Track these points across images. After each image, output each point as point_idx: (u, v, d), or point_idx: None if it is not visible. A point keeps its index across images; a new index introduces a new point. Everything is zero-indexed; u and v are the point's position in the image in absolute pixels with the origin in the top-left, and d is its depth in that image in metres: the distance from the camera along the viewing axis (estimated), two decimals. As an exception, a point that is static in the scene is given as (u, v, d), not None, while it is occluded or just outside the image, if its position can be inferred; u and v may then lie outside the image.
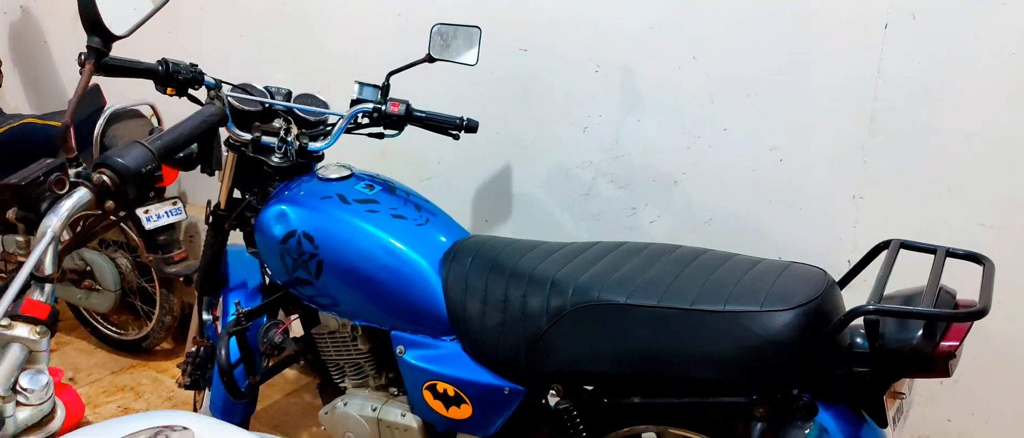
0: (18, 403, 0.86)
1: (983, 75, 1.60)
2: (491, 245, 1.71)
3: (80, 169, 0.99)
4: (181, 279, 2.89)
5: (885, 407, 1.31)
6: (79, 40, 1.38)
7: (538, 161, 2.28)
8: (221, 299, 2.15)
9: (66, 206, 0.94)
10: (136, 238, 2.87)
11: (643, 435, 1.62)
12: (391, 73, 1.95)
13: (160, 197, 2.86)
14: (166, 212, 2.81)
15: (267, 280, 2.09)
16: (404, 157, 2.42)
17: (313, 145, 1.92)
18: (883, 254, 1.39)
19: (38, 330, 0.91)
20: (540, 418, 1.75)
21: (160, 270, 2.82)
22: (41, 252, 0.91)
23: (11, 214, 0.96)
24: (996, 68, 1.59)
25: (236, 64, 2.83)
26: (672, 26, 1.96)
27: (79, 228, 2.77)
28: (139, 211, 2.74)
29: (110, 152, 1.00)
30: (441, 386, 1.66)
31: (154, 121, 2.85)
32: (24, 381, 0.87)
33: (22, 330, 0.90)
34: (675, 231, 2.09)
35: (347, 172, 1.87)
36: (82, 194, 0.96)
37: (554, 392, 1.56)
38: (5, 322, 0.88)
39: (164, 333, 2.99)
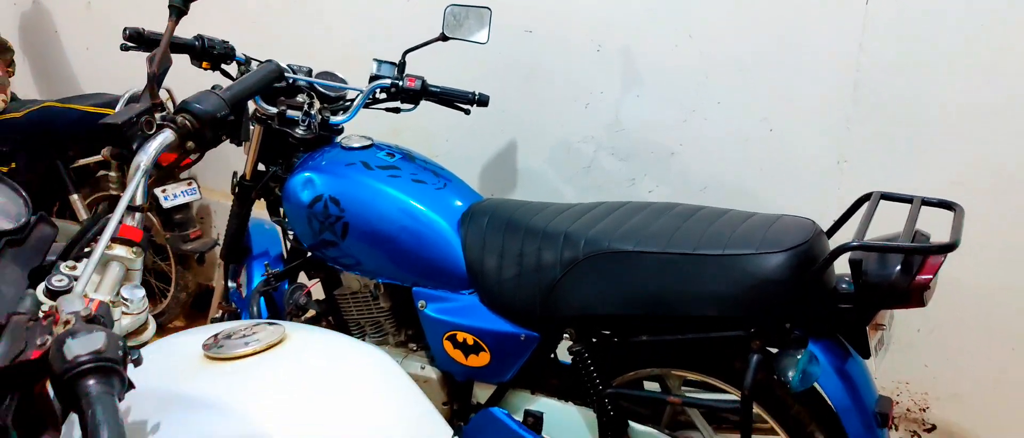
0: (122, 312, 0.99)
1: (954, 49, 1.76)
2: (505, 206, 1.84)
3: (165, 113, 1.12)
4: (196, 258, 3.01)
5: (868, 337, 1.46)
6: (89, 30, 1.50)
7: (542, 137, 2.42)
8: (244, 267, 2.27)
9: (154, 145, 1.07)
10: (151, 217, 2.98)
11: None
12: (407, 51, 2.09)
13: (176, 178, 2.98)
14: (182, 192, 2.93)
15: (287, 249, 2.22)
16: (415, 134, 2.55)
17: (334, 118, 2.05)
18: (866, 205, 1.54)
19: (134, 251, 1.04)
20: (551, 372, 1.89)
21: (176, 247, 2.94)
22: (135, 185, 1.04)
23: (106, 152, 1.08)
24: (966, 42, 1.75)
25: (250, 52, 2.94)
26: (669, 7, 2.11)
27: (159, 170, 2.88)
28: (156, 190, 2.86)
29: (189, 98, 1.13)
30: (461, 336, 1.80)
31: (170, 105, 2.97)
32: (125, 293, 1.00)
33: (121, 251, 1.03)
34: (672, 199, 2.23)
35: (368, 142, 2.01)
36: (167, 135, 1.09)
37: (568, 336, 1.70)
38: (108, 244, 1.01)
39: (178, 310, 3.11)
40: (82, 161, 2.95)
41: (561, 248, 1.65)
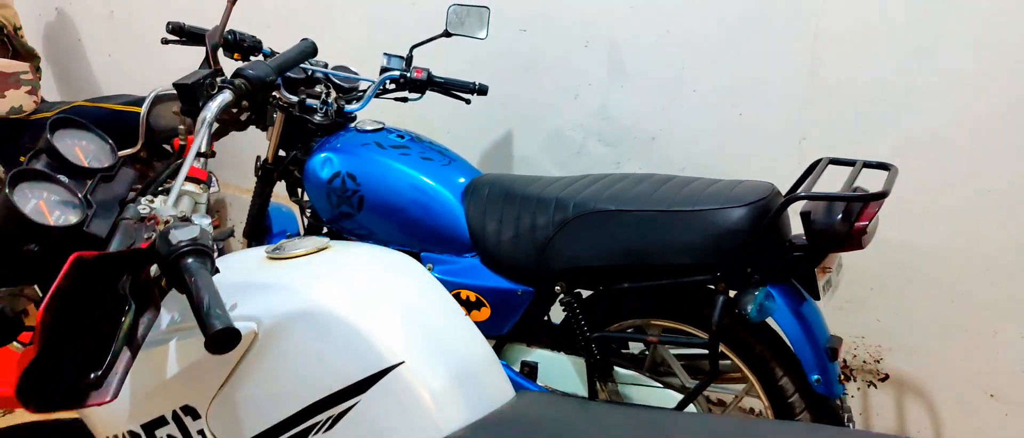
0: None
1: (895, 35, 2.00)
2: (503, 179, 2.08)
3: (224, 78, 1.36)
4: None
5: (817, 280, 1.69)
6: (110, 38, 1.74)
7: (537, 125, 2.66)
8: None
9: (217, 101, 1.30)
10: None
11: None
12: (414, 46, 2.33)
13: (195, 172, 3.20)
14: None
15: (305, 227, 2.45)
16: (419, 125, 2.77)
17: (348, 107, 2.29)
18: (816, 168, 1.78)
19: (201, 187, 1.26)
20: (544, 329, 2.11)
21: (197, 236, 3.15)
22: (202, 135, 1.27)
23: (176, 108, 1.31)
24: (906, 27, 1.99)
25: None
26: (650, 6, 2.35)
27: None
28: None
29: (242, 66, 1.37)
30: (464, 294, 2.03)
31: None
32: (195, 219, 1.22)
33: (191, 187, 1.25)
34: (654, 180, 2.47)
35: (380, 125, 2.24)
36: (226, 95, 1.32)
37: (560, 288, 1.93)
38: (182, 183, 1.23)
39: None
40: (109, 156, 3.17)
41: (553, 211, 1.88)
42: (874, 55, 2.04)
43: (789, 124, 2.20)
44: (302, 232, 2.47)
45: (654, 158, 2.46)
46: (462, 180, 2.14)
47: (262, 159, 2.37)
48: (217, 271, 0.99)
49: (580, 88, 2.55)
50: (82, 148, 1.22)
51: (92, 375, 0.93)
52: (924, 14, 1.96)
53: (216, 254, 1.22)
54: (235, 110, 1.38)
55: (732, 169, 2.31)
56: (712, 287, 1.75)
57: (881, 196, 1.56)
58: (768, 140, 2.25)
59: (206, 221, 1.23)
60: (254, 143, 2.58)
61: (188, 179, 1.26)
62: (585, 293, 1.98)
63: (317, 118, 2.24)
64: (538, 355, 2.07)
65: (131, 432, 1.09)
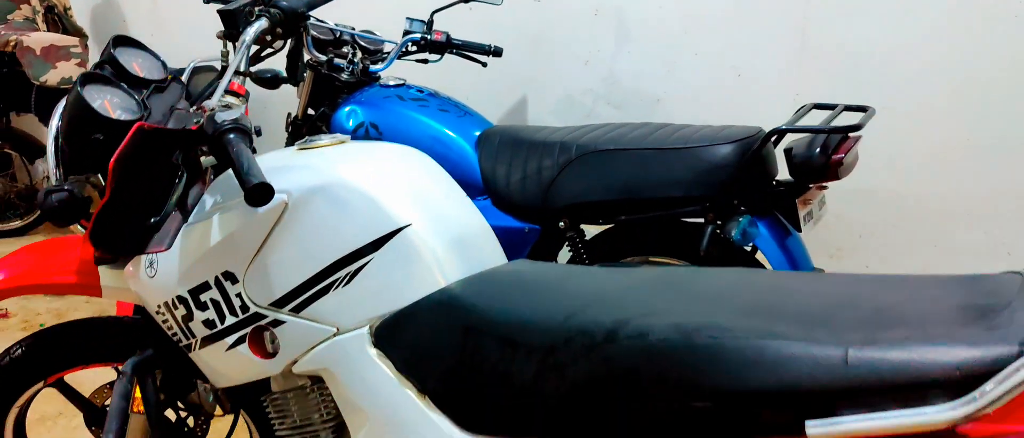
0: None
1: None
2: (512, 129, 2.24)
3: (261, 8, 1.54)
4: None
5: (798, 211, 1.83)
6: (153, 21, 1.93)
7: (548, 92, 2.83)
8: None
9: (255, 26, 1.48)
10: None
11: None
12: (435, 11, 2.51)
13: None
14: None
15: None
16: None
17: (373, 67, 2.47)
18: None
19: (239, 100, 1.44)
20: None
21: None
22: (240, 55, 1.45)
23: (219, 34, 1.50)
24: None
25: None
26: (654, -25, 2.52)
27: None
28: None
29: (277, -1, 1.55)
30: (477, 233, 2.19)
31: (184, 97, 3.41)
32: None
33: (230, 100, 1.43)
34: (658, 140, 2.62)
35: (402, 81, 2.42)
36: (263, 21, 1.50)
37: (564, 225, 2.08)
38: (222, 96, 1.41)
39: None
40: (151, 124, 3.39)
41: (557, 153, 2.05)
42: (861, 15, 2.18)
43: (784, 82, 2.35)
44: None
45: (659, 119, 2.61)
46: (475, 130, 2.31)
47: (292, 115, 2.56)
48: (255, 148, 1.17)
49: (590, 55, 2.71)
50: (139, 63, 1.41)
51: (152, 222, 1.11)
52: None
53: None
54: (269, 38, 1.55)
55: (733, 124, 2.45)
56: (701, 219, 1.90)
57: (854, 129, 1.71)
58: (765, 98, 2.39)
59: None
60: (282, 112, 2.77)
61: (229, 92, 1.44)
62: (589, 233, 2.14)
63: (344, 76, 2.43)
64: (544, 292, 2.23)
65: (179, 297, 1.27)
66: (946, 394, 0.69)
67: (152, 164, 1.13)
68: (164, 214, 1.15)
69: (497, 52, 2.49)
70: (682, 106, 2.56)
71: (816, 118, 1.90)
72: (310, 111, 2.54)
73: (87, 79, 1.28)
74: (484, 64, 2.54)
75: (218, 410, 1.70)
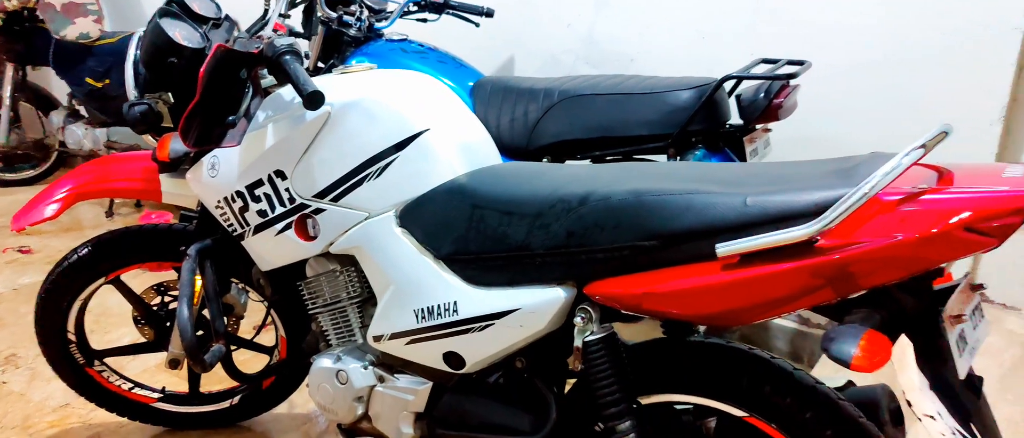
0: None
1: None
2: (503, 79, 2.55)
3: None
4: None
5: (745, 147, 2.16)
6: None
7: (533, 51, 3.13)
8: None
9: (292, -23, 1.77)
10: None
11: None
12: (434, -26, 2.81)
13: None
14: (244, 104, 3.64)
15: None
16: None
17: (378, 24, 2.76)
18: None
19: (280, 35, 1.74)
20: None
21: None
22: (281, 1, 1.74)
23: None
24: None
25: None
26: (630, -54, 2.82)
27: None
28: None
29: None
30: (470, 169, 2.50)
31: (236, 31, 3.68)
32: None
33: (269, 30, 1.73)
34: (631, 95, 2.93)
35: (404, 37, 2.72)
36: (296, -21, 1.80)
37: (547, 160, 2.40)
38: (269, 32, 1.71)
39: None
40: (165, 78, 3.65)
41: (541, 98, 2.36)
42: (808, -16, 2.51)
43: (742, 43, 2.67)
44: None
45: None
46: (470, 81, 2.61)
47: (304, 53, 2.85)
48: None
49: (571, 17, 3.01)
50: (199, 3, 1.70)
51: (227, 121, 1.41)
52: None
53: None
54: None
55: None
56: (663, 156, 2.22)
57: (791, 76, 2.04)
58: (724, 57, 2.71)
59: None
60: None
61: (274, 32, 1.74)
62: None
63: (351, 32, 2.72)
64: (528, 222, 2.54)
65: (237, 192, 1.57)
66: (808, 218, 1.01)
67: (227, 76, 1.42)
68: (236, 117, 1.45)
69: (489, 13, 2.79)
70: (653, 64, 2.87)
71: (763, 70, 2.23)
72: (320, 63, 2.83)
73: (160, 13, 1.57)
74: (477, 24, 2.85)
75: (247, 310, 2.01)
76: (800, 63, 2.19)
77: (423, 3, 2.77)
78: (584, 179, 1.28)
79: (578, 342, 1.25)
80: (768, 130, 2.27)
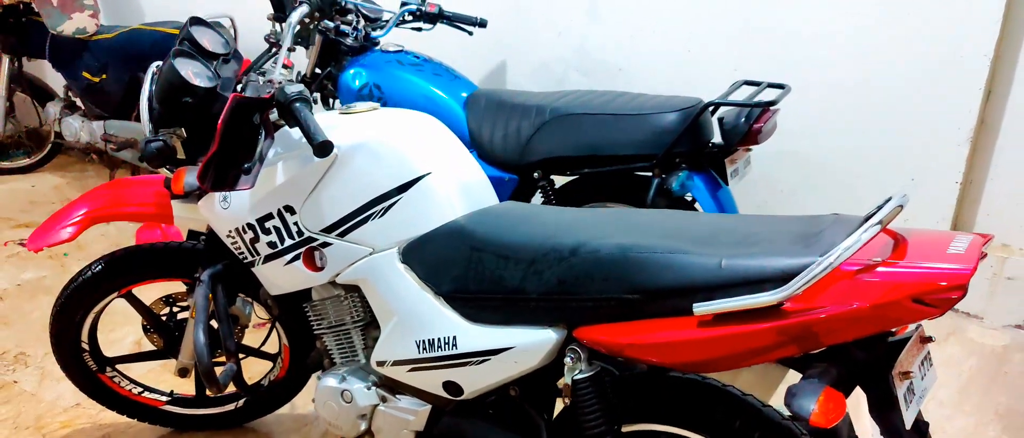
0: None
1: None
2: (496, 92, 2.64)
3: (303, -5, 1.92)
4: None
5: (726, 168, 2.28)
6: None
7: (525, 59, 3.22)
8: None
9: (298, 11, 1.86)
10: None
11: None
12: (429, -15, 2.88)
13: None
14: (240, 101, 3.70)
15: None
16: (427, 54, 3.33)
17: (374, 33, 2.84)
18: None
19: (288, 72, 1.83)
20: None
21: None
22: (289, 34, 1.83)
23: (269, 16, 1.87)
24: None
25: None
26: (619, -40, 2.90)
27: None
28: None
29: (315, -12, 1.93)
30: (464, 180, 2.61)
31: (231, 30, 3.74)
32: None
33: (279, 66, 1.82)
34: (619, 103, 3.03)
35: (401, 47, 2.80)
36: (305, 7, 1.88)
37: (538, 175, 2.50)
38: (281, 68, 1.79)
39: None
40: (161, 74, 3.72)
41: (534, 115, 2.46)
42: (793, 6, 2.60)
43: (727, 57, 2.77)
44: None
45: (621, 86, 3.03)
46: (464, 93, 2.70)
47: (301, 74, 2.93)
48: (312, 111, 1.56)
49: (562, 26, 3.10)
50: (208, 39, 1.78)
51: (244, 167, 1.51)
52: (828, -27, 2.53)
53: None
54: (307, 20, 1.93)
55: (679, 90, 2.87)
56: (649, 173, 2.33)
57: (771, 104, 2.14)
58: (709, 69, 2.82)
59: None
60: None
61: (283, 67, 1.82)
62: (558, 183, 2.56)
63: (348, 41, 2.80)
64: (519, 231, 2.66)
65: (248, 224, 1.67)
66: (776, 284, 1.13)
67: (241, 122, 1.52)
68: (251, 164, 1.55)
69: (482, 23, 2.88)
70: (640, 75, 2.97)
71: (745, 92, 2.33)
72: (317, 70, 2.91)
73: (175, 54, 1.65)
74: (470, 33, 2.93)
75: (253, 321, 2.12)
76: (781, 87, 2.30)
77: (418, 13, 2.84)
78: (575, 228, 1.39)
79: (568, 379, 1.37)
80: (748, 150, 2.38)
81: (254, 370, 2.42)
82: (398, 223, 1.55)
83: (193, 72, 1.65)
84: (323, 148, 1.45)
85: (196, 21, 1.77)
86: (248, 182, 1.55)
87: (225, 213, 1.71)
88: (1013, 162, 2.47)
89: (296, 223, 1.62)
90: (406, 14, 2.85)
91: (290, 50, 1.84)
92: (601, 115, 2.35)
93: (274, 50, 1.81)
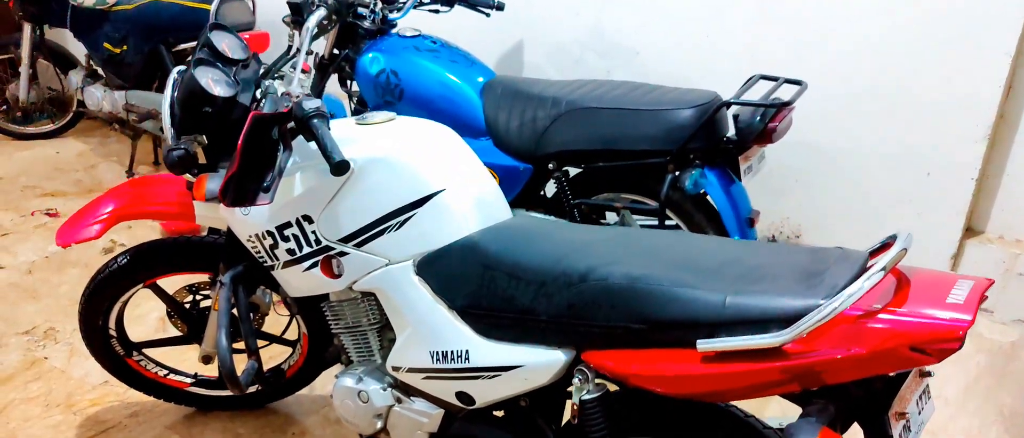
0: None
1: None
2: (513, 80, 2.65)
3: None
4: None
5: (739, 164, 2.28)
6: None
7: (542, 40, 3.21)
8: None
9: (316, 15, 1.87)
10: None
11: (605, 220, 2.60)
12: (447, -33, 2.87)
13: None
14: (259, 74, 3.73)
15: (351, 113, 3.03)
16: (445, 35, 3.32)
17: (391, 16, 2.84)
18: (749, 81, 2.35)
19: (305, 75, 1.85)
20: (539, 198, 2.72)
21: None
22: (307, 38, 1.84)
23: (285, 19, 1.88)
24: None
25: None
26: (639, -58, 2.87)
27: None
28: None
29: (332, -10, 1.94)
30: (479, 168, 2.63)
31: (250, 3, 3.75)
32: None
33: (298, 72, 1.84)
34: (636, 87, 3.03)
35: (418, 32, 2.80)
36: (322, 10, 1.89)
37: (552, 166, 2.52)
38: (298, 76, 1.81)
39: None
40: (181, 46, 3.74)
41: (550, 106, 2.47)
42: (811, -6, 2.58)
43: (741, 46, 2.75)
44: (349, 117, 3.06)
45: (636, 69, 3.02)
46: (481, 79, 2.71)
47: (319, 55, 2.94)
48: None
49: (579, 6, 3.08)
50: (227, 44, 1.80)
51: (263, 184, 1.55)
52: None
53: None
54: (325, 23, 1.94)
55: (697, 79, 2.87)
56: (663, 166, 2.34)
57: (787, 104, 2.14)
58: (723, 59, 2.80)
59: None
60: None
61: (302, 72, 1.85)
62: (572, 171, 2.58)
63: (366, 24, 2.80)
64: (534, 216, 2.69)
65: (268, 231, 1.71)
66: (780, 325, 1.16)
67: (261, 139, 1.55)
68: (270, 180, 1.58)
69: (500, 6, 2.86)
70: (654, 62, 2.96)
71: (761, 88, 2.32)
72: (335, 51, 2.92)
73: (196, 63, 1.68)
74: (488, 14, 2.92)
75: (273, 311, 2.18)
76: (798, 83, 2.29)
77: (435, -4, 2.84)
78: (585, 252, 1.43)
79: (576, 399, 1.42)
80: (763, 147, 2.38)
81: (275, 351, 2.50)
82: (413, 237, 1.59)
83: (213, 80, 1.68)
84: (340, 168, 1.48)
85: (216, 27, 1.79)
86: (267, 198, 1.59)
87: (245, 219, 1.75)
88: (1031, 159, 2.46)
89: (314, 232, 1.67)
90: (423, -4, 2.85)
91: (310, 52, 1.85)
92: (616, 109, 2.35)
93: (293, 54, 1.82)
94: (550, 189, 2.62)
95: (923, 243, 2.60)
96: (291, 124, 1.69)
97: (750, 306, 1.20)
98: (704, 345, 1.21)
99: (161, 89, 3.92)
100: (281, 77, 1.79)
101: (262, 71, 1.88)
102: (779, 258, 1.32)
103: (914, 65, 2.45)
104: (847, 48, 2.55)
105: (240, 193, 1.55)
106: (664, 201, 2.32)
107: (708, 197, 2.35)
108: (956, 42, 2.36)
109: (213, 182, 1.82)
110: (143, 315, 2.85)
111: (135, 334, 2.35)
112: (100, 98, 4.06)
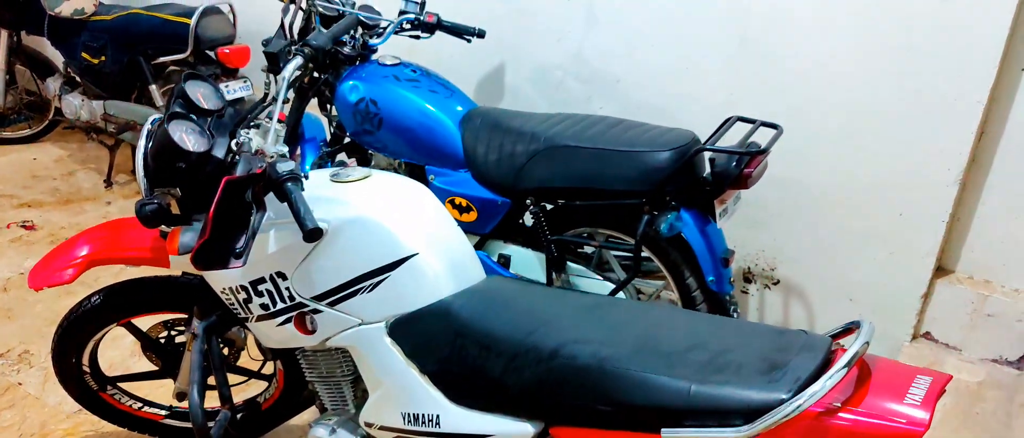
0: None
1: (810, 14, 2.54)
2: (492, 112, 2.65)
3: (296, 47, 1.91)
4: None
5: (715, 208, 2.30)
6: None
7: (524, 64, 3.20)
8: (299, 148, 3.08)
9: (293, 64, 1.86)
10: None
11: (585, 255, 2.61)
12: (427, -6, 2.85)
13: (233, 76, 3.74)
14: (239, 88, 3.70)
15: (331, 135, 3.03)
16: (428, 59, 3.31)
17: (371, 41, 2.83)
18: (726, 123, 2.36)
19: (281, 125, 1.84)
20: (516, 232, 2.73)
21: (234, 132, 3.73)
22: (284, 87, 1.83)
23: (263, 68, 1.87)
24: (812, 20, 2.52)
25: None
26: (621, -29, 2.87)
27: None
28: (220, 85, 3.63)
29: (308, 38, 1.92)
30: (458, 200, 2.64)
31: (230, 16, 3.71)
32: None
33: (277, 126, 1.83)
34: (617, 115, 3.04)
35: (397, 60, 2.79)
36: (299, 59, 1.87)
37: (530, 201, 2.53)
38: (268, 118, 1.80)
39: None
40: (160, 59, 3.70)
41: (528, 142, 2.47)
42: (789, 32, 2.58)
43: (721, 81, 2.76)
44: (328, 139, 3.05)
45: (618, 96, 3.03)
46: (460, 109, 2.71)
47: (299, 78, 2.93)
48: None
49: (562, 33, 3.08)
50: (202, 93, 1.79)
51: (234, 249, 1.55)
52: (824, 8, 2.50)
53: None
54: (301, 72, 1.92)
55: (673, 111, 2.88)
56: (640, 206, 2.35)
57: (763, 152, 2.16)
58: (704, 93, 2.81)
59: (284, 149, 1.82)
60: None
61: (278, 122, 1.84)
62: (549, 206, 2.59)
63: (346, 50, 2.79)
64: (512, 250, 2.70)
65: (242, 286, 1.71)
66: (743, 419, 1.18)
67: (233, 202, 1.55)
68: (243, 245, 1.58)
69: (481, 34, 2.86)
70: (636, 89, 2.97)
71: (738, 131, 2.34)
72: (315, 75, 2.90)
73: (169, 118, 1.67)
74: (469, 41, 2.91)
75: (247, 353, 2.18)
76: (774, 126, 2.30)
77: (416, 22, 2.83)
78: (556, 325, 1.44)
79: (544, 470, 1.44)
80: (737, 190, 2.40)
81: (251, 383, 2.50)
82: (386, 299, 1.60)
83: (186, 134, 1.67)
84: (312, 235, 1.48)
85: (191, 76, 1.78)
86: (239, 263, 1.59)
87: (219, 273, 1.75)
88: (1001, 202, 2.49)
89: (288, 288, 1.67)
90: (404, 23, 2.84)
91: (286, 101, 1.85)
92: (594, 149, 2.36)
93: (269, 103, 1.81)
94: (529, 218, 2.63)
95: (894, 281, 2.64)
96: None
97: (714, 396, 1.23)
98: (669, 434, 1.23)
99: (140, 100, 3.89)
100: (258, 125, 1.78)
101: (238, 119, 1.87)
102: (744, 340, 1.34)
103: (889, 107, 2.47)
104: (824, 88, 2.57)
105: (212, 258, 1.55)
106: (640, 239, 2.33)
107: (682, 235, 2.37)
108: (930, 90, 2.39)
109: (186, 236, 1.81)
110: (118, 336, 2.84)
111: (109, 358, 2.34)
112: (78, 107, 4.02)
